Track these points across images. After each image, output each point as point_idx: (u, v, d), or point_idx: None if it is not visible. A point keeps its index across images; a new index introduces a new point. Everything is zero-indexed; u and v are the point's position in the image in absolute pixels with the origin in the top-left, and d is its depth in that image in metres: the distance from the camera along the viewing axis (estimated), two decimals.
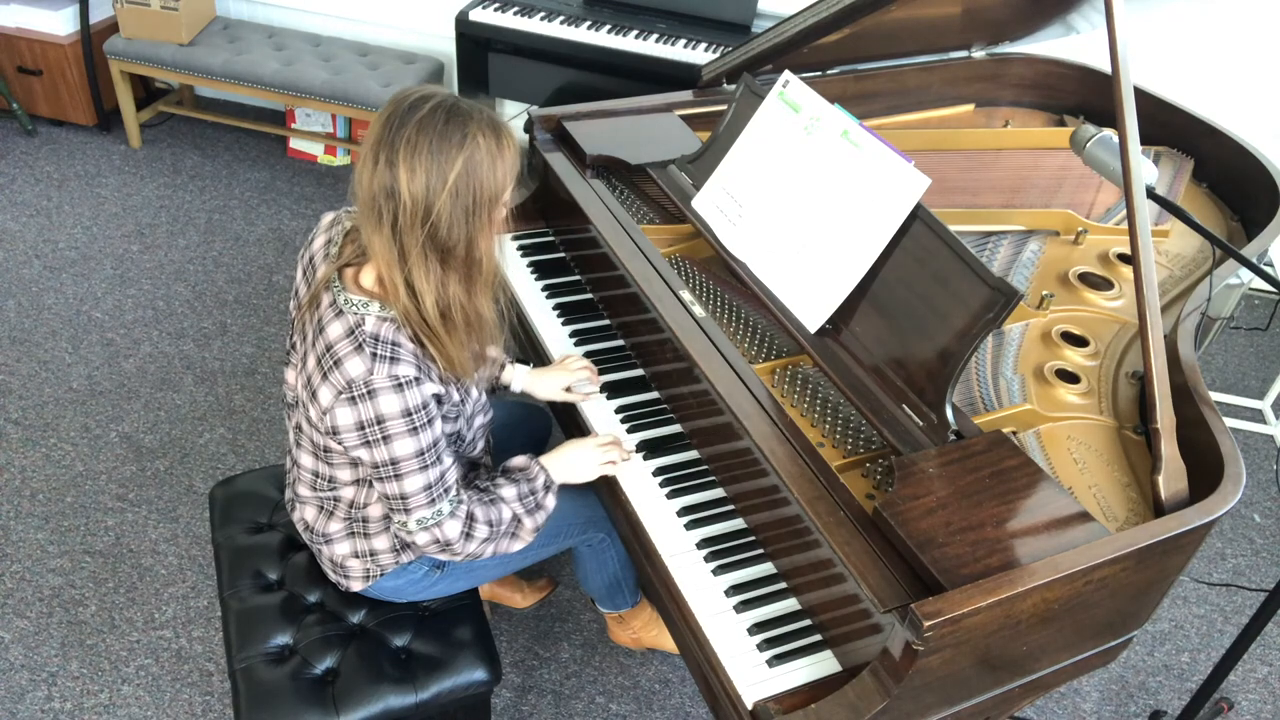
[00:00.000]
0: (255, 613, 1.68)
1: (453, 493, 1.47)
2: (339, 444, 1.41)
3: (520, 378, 1.83)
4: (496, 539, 1.54)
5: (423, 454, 1.39)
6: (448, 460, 1.45)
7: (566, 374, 1.81)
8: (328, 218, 1.54)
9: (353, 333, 1.36)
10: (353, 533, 1.60)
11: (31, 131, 3.88)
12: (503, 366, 1.83)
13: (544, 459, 1.64)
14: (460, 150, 1.29)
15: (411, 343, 1.38)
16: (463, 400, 1.51)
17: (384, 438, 1.36)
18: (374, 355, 1.34)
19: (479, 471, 1.71)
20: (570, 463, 1.65)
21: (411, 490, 1.42)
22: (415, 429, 1.37)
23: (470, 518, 1.49)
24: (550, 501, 1.61)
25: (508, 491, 1.57)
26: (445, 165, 1.29)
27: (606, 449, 1.67)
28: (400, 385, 1.34)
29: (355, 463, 1.48)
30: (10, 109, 3.82)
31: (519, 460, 1.63)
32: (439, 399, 1.42)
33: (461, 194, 1.31)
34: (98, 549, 2.38)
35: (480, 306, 1.42)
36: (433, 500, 1.44)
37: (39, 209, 3.52)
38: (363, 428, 1.36)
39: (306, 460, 1.54)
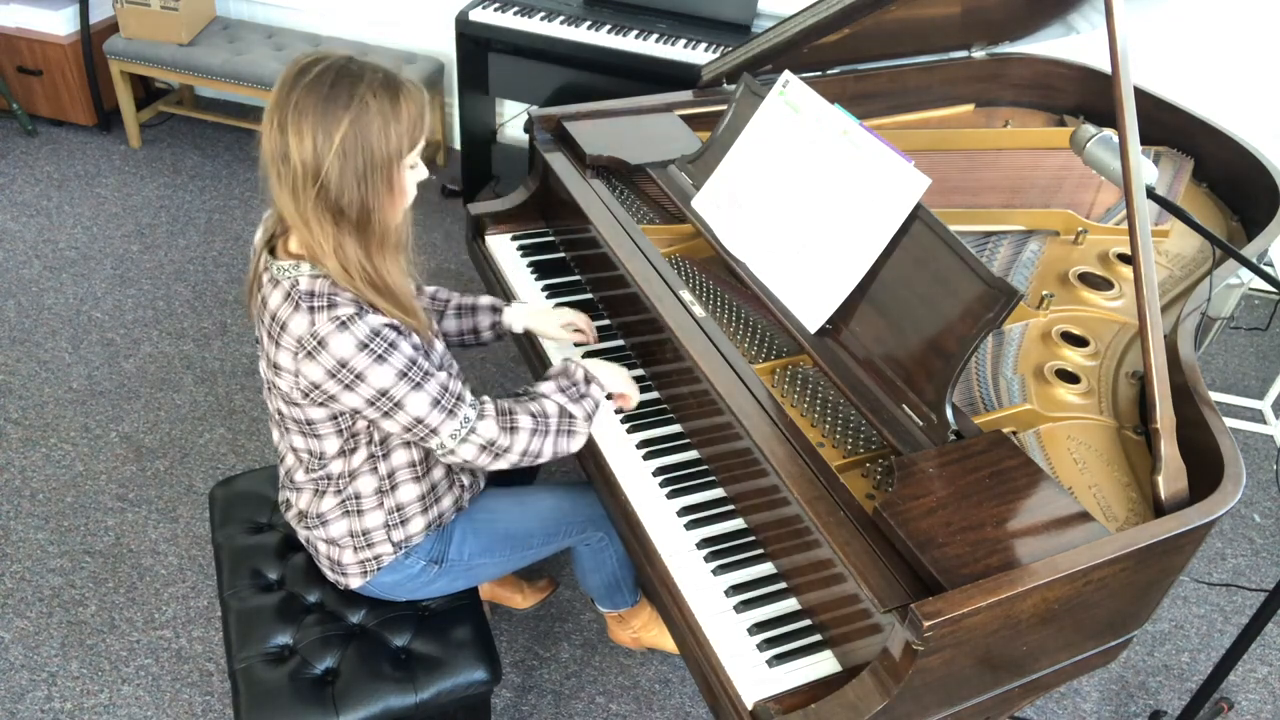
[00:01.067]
0: (255, 613, 1.68)
1: (468, 399, 1.49)
2: (324, 400, 1.42)
3: (520, 317, 1.86)
4: (549, 433, 1.55)
5: (404, 374, 1.40)
6: (442, 374, 1.46)
7: (569, 311, 1.87)
8: (268, 212, 1.54)
9: (289, 295, 1.39)
10: (346, 512, 1.60)
11: (31, 131, 3.88)
12: (498, 311, 1.85)
13: (578, 360, 1.68)
14: (347, 111, 1.30)
15: (348, 291, 1.40)
16: (426, 351, 1.50)
17: (357, 376, 1.38)
18: (311, 309, 1.37)
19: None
20: (600, 367, 1.69)
21: (421, 410, 1.42)
22: (380, 356, 1.38)
23: (506, 412, 1.51)
24: (597, 392, 1.63)
25: (546, 386, 1.60)
26: (331, 127, 1.30)
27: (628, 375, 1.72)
28: (343, 323, 1.36)
29: (339, 429, 1.49)
30: (10, 109, 3.82)
31: (557, 365, 1.67)
32: (394, 327, 1.41)
33: (350, 155, 1.31)
34: (98, 549, 2.38)
35: (383, 271, 1.41)
36: (450, 411, 1.45)
37: (39, 209, 3.52)
38: (333, 375, 1.38)
39: (298, 441, 1.55)
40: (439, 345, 1.57)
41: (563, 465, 2.69)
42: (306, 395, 1.42)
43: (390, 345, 1.39)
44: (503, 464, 1.53)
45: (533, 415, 1.53)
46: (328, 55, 1.35)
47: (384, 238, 1.40)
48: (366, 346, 1.37)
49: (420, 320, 1.48)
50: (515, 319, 1.86)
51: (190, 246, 3.41)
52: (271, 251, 1.45)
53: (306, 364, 1.38)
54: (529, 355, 1.98)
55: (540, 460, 1.56)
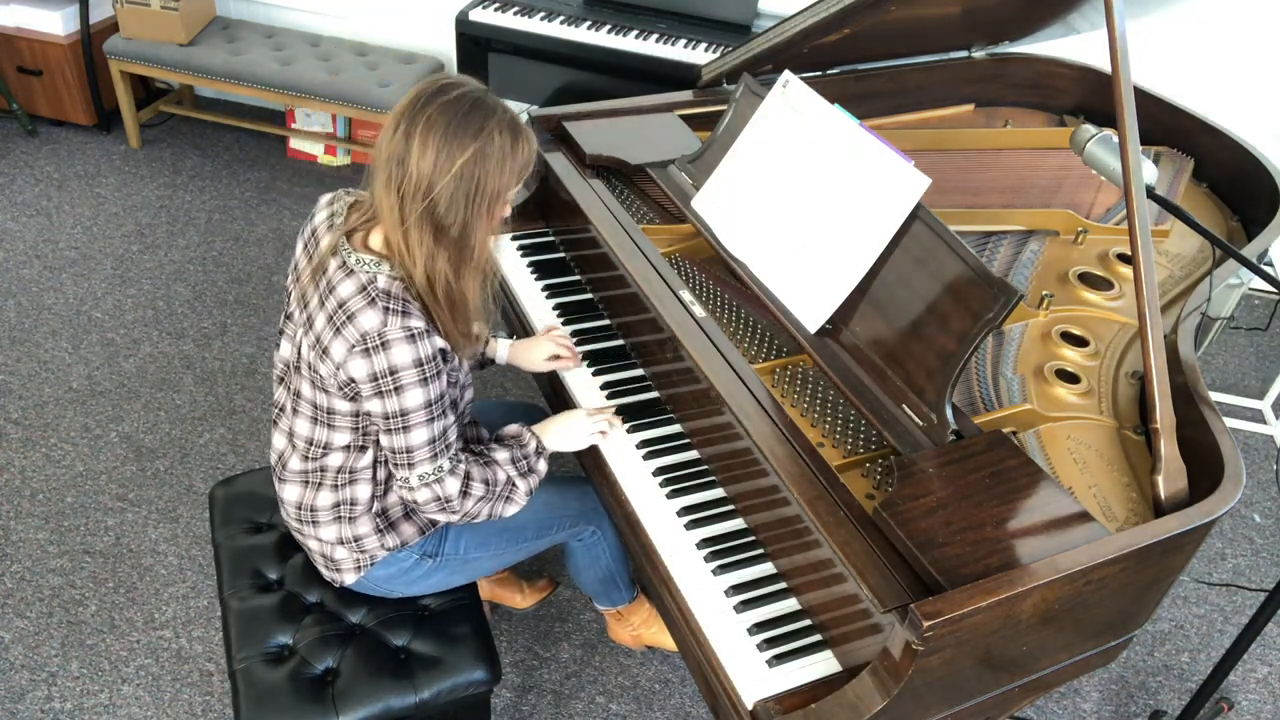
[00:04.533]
0: (255, 613, 1.68)
1: (453, 450, 1.53)
2: (352, 396, 1.45)
3: (504, 350, 1.88)
4: (492, 500, 1.58)
5: (430, 405, 1.45)
6: (450, 417, 1.51)
7: (550, 344, 1.86)
8: (326, 197, 1.59)
9: (364, 289, 1.42)
10: (339, 517, 1.60)
11: (31, 131, 3.88)
12: (486, 341, 1.87)
13: (535, 427, 1.69)
14: (474, 140, 1.37)
15: (418, 302, 1.44)
16: (457, 368, 1.56)
17: (396, 388, 1.41)
18: (386, 309, 1.40)
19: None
20: (561, 431, 1.70)
21: (417, 443, 1.47)
22: (425, 379, 1.42)
23: (467, 476, 1.54)
24: (542, 466, 1.66)
25: (501, 455, 1.62)
26: (456, 150, 1.36)
27: (596, 419, 1.71)
28: (413, 336, 1.40)
29: (356, 426, 1.52)
30: (10, 109, 3.82)
31: (512, 428, 1.69)
32: (444, 355, 1.48)
33: (465, 180, 1.38)
34: (98, 549, 2.38)
35: (465, 289, 1.47)
36: (435, 455, 1.49)
37: (39, 209, 3.52)
38: (376, 379, 1.41)
39: (303, 428, 1.56)
40: (466, 365, 1.62)
41: (560, 461, 2.69)
42: (342, 388, 1.46)
43: (437, 373, 1.44)
44: (440, 517, 1.58)
45: (485, 483, 1.57)
46: (467, 82, 1.42)
47: (477, 260, 1.46)
48: (421, 365, 1.41)
49: (473, 344, 1.55)
50: (500, 351, 1.88)
51: (190, 246, 3.41)
52: (348, 240, 1.48)
53: (358, 359, 1.40)
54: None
55: (475, 521, 1.60)
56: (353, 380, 1.43)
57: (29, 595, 2.27)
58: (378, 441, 1.54)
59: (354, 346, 1.40)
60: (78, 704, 2.07)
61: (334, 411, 1.50)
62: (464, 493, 1.54)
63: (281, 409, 1.61)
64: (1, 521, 2.42)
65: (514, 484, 1.60)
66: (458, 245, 1.43)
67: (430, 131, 1.35)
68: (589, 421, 1.71)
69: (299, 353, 1.52)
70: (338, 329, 1.42)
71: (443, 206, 1.38)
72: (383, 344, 1.39)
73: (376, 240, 1.47)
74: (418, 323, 1.41)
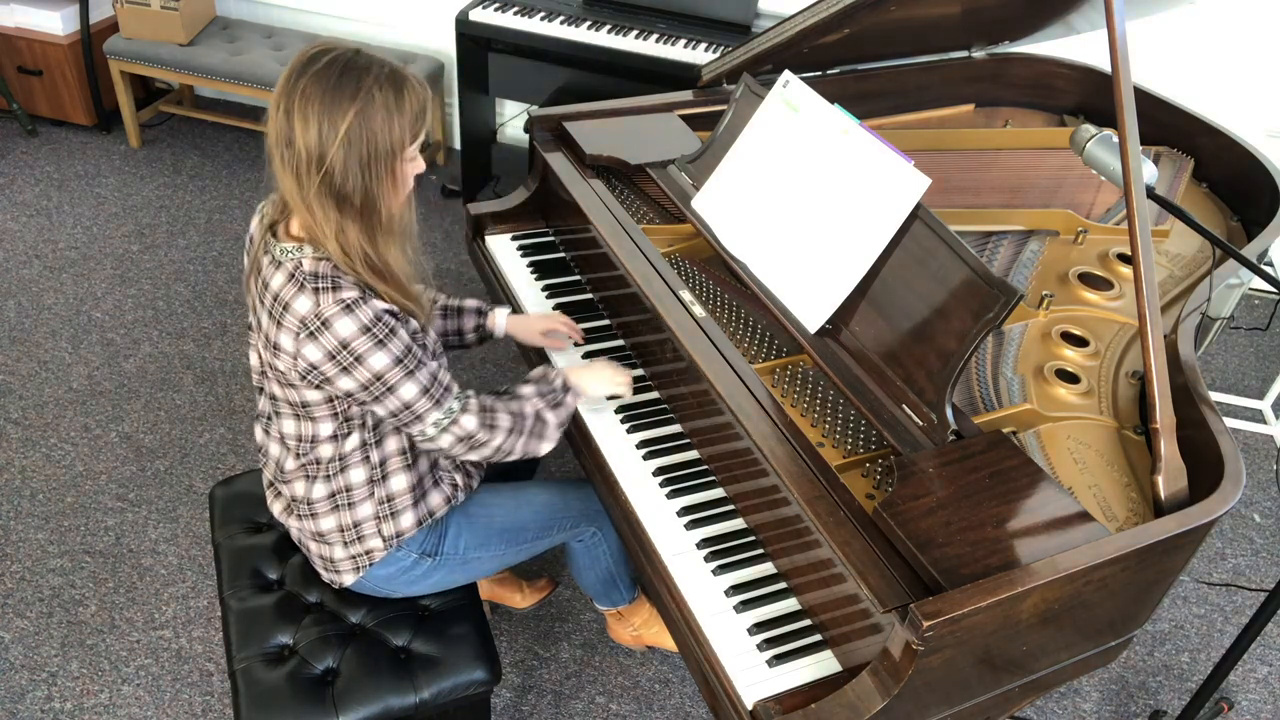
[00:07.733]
0: (255, 613, 1.68)
1: (454, 390, 1.53)
2: (320, 381, 1.44)
3: (502, 319, 1.90)
4: (523, 434, 1.59)
5: (401, 360, 1.43)
6: (433, 363, 1.50)
7: (549, 319, 1.89)
8: (263, 202, 1.58)
9: (292, 276, 1.41)
10: (336, 506, 1.60)
11: (31, 131, 3.88)
12: (484, 314, 1.88)
13: (562, 369, 1.71)
14: (353, 102, 1.33)
15: (350, 274, 1.43)
16: (423, 329, 1.54)
17: (356, 359, 1.41)
18: (316, 289, 1.39)
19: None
20: (587, 375, 1.72)
21: (410, 397, 1.46)
22: (380, 340, 1.41)
23: (488, 409, 1.56)
24: (570, 400, 1.67)
25: (526, 389, 1.64)
26: (337, 116, 1.33)
27: (620, 369, 1.73)
28: (348, 306, 1.39)
29: (335, 412, 1.51)
30: (10, 109, 3.82)
31: (536, 370, 1.71)
32: (393, 314, 1.45)
33: (354, 144, 1.35)
34: (98, 549, 2.38)
35: (386, 257, 1.45)
36: (437, 401, 1.49)
37: (39, 209, 3.52)
38: (333, 357, 1.40)
39: (289, 427, 1.56)
40: (432, 333, 1.61)
41: (560, 462, 2.70)
42: (304, 377, 1.45)
43: (390, 331, 1.43)
44: (474, 456, 1.59)
45: (511, 415, 1.58)
46: (336, 46, 1.38)
47: (388, 224, 1.45)
48: (369, 330, 1.40)
49: (420, 305, 1.52)
50: (499, 321, 1.89)
51: (190, 246, 3.41)
52: (273, 234, 1.47)
53: (308, 344, 1.40)
54: (528, 354, 1.99)
55: (510, 458, 1.61)
56: (313, 366, 1.42)
57: (29, 595, 2.27)
58: (362, 424, 1.54)
59: (298, 334, 1.40)
60: (78, 704, 2.07)
61: (308, 403, 1.50)
62: (489, 426, 1.54)
63: (268, 416, 1.61)
64: (1, 521, 2.42)
65: (542, 417, 1.62)
66: (364, 213, 1.40)
67: (308, 104, 1.33)
68: (613, 371, 1.73)
69: (261, 357, 1.53)
70: (278, 322, 1.42)
71: (339, 176, 1.36)
72: (323, 323, 1.38)
73: (295, 225, 1.46)
74: (350, 293, 1.39)
